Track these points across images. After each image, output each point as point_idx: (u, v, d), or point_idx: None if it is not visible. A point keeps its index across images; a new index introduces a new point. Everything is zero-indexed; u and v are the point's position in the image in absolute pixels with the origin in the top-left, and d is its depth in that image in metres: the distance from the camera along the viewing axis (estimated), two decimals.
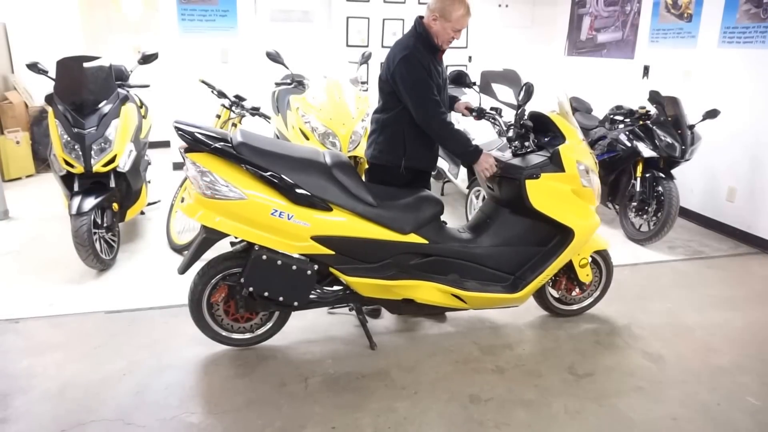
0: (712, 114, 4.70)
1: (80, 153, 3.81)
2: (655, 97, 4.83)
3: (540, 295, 3.44)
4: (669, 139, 4.62)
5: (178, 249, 4.29)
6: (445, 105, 3.13)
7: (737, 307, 3.80)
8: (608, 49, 6.77)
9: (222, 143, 2.62)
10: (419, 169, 3.19)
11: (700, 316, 3.65)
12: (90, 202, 3.77)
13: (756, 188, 4.93)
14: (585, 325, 3.48)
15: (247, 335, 3.03)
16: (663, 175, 4.72)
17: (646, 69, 6.11)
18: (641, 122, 4.82)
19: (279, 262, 2.73)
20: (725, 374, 3.02)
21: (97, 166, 3.85)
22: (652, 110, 4.87)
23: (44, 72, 4.28)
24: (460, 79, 3.63)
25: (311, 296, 2.89)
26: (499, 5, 7.49)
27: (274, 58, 4.94)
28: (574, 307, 3.55)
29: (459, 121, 5.02)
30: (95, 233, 3.81)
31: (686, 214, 5.57)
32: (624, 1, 6.46)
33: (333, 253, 2.77)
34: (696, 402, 2.78)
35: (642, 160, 4.78)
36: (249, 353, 3.04)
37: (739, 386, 2.92)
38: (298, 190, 2.66)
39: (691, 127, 4.70)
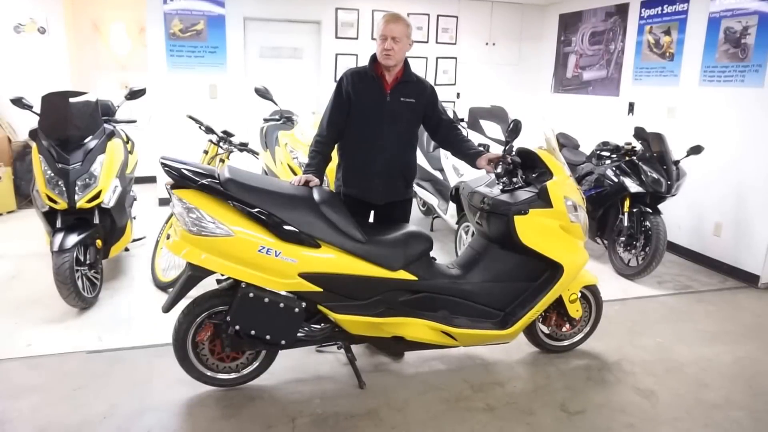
0: (696, 150, 4.77)
1: (64, 189, 3.75)
2: (640, 133, 4.90)
3: (530, 331, 3.41)
4: (655, 175, 4.66)
5: (162, 287, 4.21)
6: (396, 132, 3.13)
7: (727, 342, 3.79)
8: (593, 87, 6.89)
9: (209, 179, 2.59)
10: (356, 198, 3.17)
11: (690, 350, 3.63)
12: (72, 238, 3.70)
13: (741, 223, 4.97)
14: (576, 361, 3.44)
15: (233, 375, 2.95)
16: (650, 210, 4.75)
17: (631, 106, 6.21)
18: (627, 158, 4.88)
19: (266, 300, 2.68)
20: (717, 410, 2.99)
21: (81, 202, 3.79)
22: (638, 146, 4.93)
23: (29, 107, 4.25)
24: None
25: (299, 334, 2.84)
26: (487, 43, 7.64)
27: (263, 94, 4.97)
28: (565, 342, 3.52)
29: (448, 156, 5.05)
30: (77, 270, 3.73)
31: (675, 248, 5.60)
32: (608, 41, 6.61)
33: (321, 290, 2.73)
34: None
35: (629, 196, 4.81)
36: (234, 394, 2.96)
37: (731, 422, 2.89)
38: (286, 227, 2.63)
39: (676, 162, 4.76)
